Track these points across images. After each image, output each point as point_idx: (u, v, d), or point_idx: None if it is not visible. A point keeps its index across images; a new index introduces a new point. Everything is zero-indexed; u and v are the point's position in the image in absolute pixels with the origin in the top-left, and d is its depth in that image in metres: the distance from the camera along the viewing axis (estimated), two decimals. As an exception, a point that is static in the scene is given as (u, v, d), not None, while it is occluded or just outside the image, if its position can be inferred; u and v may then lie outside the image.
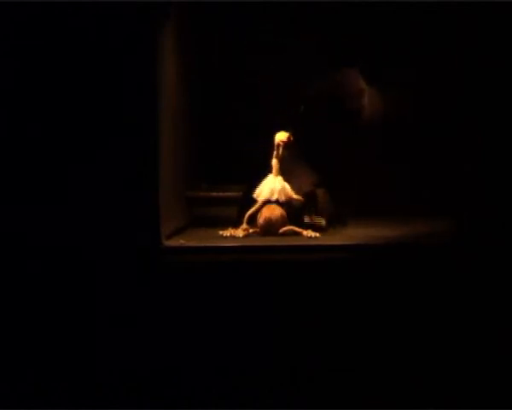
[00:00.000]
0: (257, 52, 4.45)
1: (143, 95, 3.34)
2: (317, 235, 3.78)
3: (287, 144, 3.88)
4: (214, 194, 4.24)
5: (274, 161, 3.88)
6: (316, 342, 3.20)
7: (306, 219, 3.89)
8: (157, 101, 3.41)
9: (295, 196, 3.87)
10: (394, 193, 4.24)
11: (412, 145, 4.32)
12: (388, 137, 4.30)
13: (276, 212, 3.80)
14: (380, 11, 4.27)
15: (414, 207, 4.17)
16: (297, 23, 4.40)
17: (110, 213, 3.32)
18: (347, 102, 4.26)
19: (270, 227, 3.78)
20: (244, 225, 3.82)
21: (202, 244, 3.61)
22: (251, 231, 3.81)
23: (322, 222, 3.90)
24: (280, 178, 3.86)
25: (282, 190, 3.85)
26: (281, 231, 3.78)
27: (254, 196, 3.86)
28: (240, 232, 3.79)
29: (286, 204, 3.84)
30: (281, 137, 3.89)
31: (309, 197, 3.92)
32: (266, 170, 3.89)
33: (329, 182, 4.05)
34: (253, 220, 3.83)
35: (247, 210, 3.85)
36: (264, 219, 3.79)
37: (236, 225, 3.85)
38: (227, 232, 3.80)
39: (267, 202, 3.83)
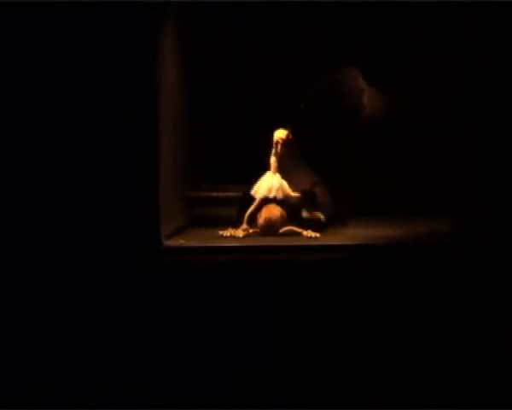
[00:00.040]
0: (257, 52, 4.45)
1: (143, 95, 3.34)
2: (317, 235, 3.78)
3: (286, 142, 3.88)
4: (214, 194, 4.24)
5: (272, 159, 3.87)
6: (316, 343, 3.20)
7: (305, 214, 3.89)
8: (157, 101, 3.41)
9: (293, 194, 3.87)
10: (394, 193, 4.24)
11: (412, 145, 4.32)
12: (388, 137, 4.30)
13: (276, 212, 3.80)
14: (380, 11, 4.27)
15: (414, 207, 4.16)
16: (297, 23, 4.39)
17: (110, 213, 3.32)
18: (347, 101, 4.26)
19: (270, 227, 3.78)
20: (244, 225, 3.82)
21: (202, 244, 3.61)
22: (251, 231, 3.81)
23: (321, 216, 3.89)
24: (278, 176, 3.86)
25: (280, 187, 3.85)
26: (281, 231, 3.78)
27: (252, 192, 3.86)
28: (240, 232, 3.79)
29: (284, 202, 3.83)
30: (280, 134, 3.88)
31: (307, 195, 3.92)
32: (266, 169, 3.89)
33: (329, 181, 4.05)
34: (253, 220, 3.83)
35: (247, 210, 3.85)
36: (264, 220, 3.79)
37: (236, 225, 3.85)
38: (227, 232, 3.80)
39: (265, 199, 3.83)
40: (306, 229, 3.80)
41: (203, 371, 3.19)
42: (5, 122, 3.33)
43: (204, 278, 3.28)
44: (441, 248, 3.41)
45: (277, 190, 3.84)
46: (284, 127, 3.89)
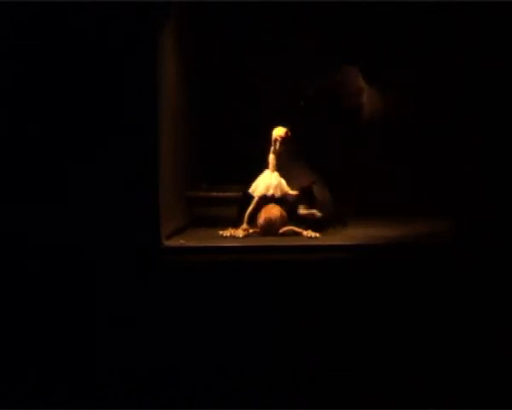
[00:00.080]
0: (257, 52, 4.45)
1: (143, 95, 3.34)
2: (317, 235, 3.78)
3: (284, 140, 3.87)
4: (214, 194, 4.24)
5: (271, 157, 3.87)
6: (316, 343, 3.20)
7: (301, 211, 3.88)
8: (157, 101, 3.41)
9: (291, 192, 3.87)
10: (394, 193, 4.24)
11: (412, 145, 4.32)
12: (388, 137, 4.30)
13: (275, 212, 3.80)
14: (380, 11, 4.27)
15: (414, 207, 4.16)
16: (297, 23, 4.39)
17: (110, 213, 3.32)
18: (346, 101, 4.27)
19: (270, 227, 3.78)
20: (244, 225, 3.82)
21: (202, 244, 3.61)
22: (251, 231, 3.81)
23: (318, 213, 3.88)
24: (276, 174, 3.86)
25: (278, 185, 3.84)
26: (281, 231, 3.78)
27: (250, 190, 3.86)
28: (240, 232, 3.79)
29: (282, 200, 3.83)
30: (278, 132, 3.88)
31: (305, 193, 3.92)
32: (266, 168, 3.89)
33: (329, 181, 4.05)
34: (253, 220, 3.83)
35: (247, 210, 3.85)
36: (264, 220, 3.79)
37: (236, 225, 3.85)
38: (227, 232, 3.80)
39: (264, 198, 3.83)
40: (306, 228, 3.80)
41: (203, 371, 3.19)
42: (5, 122, 3.33)
43: (204, 278, 3.28)
44: (441, 248, 3.41)
45: (275, 188, 3.83)
46: (283, 125, 3.89)
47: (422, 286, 3.24)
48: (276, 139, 3.87)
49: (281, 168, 3.88)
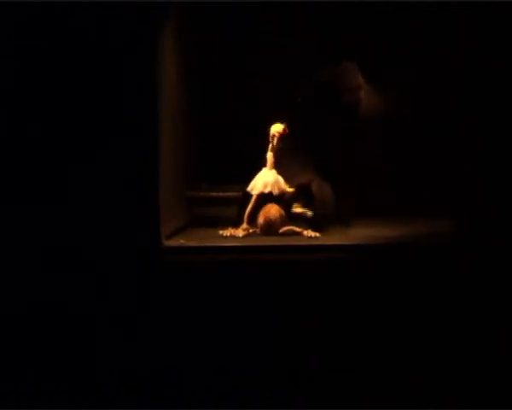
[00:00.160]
0: (257, 52, 4.45)
1: (143, 95, 3.34)
2: (317, 235, 3.78)
3: (282, 136, 3.87)
4: (214, 194, 4.24)
5: (269, 154, 3.87)
6: (316, 342, 3.20)
7: (294, 209, 3.88)
8: (157, 101, 3.41)
9: (289, 190, 3.87)
10: (394, 193, 4.24)
11: (412, 145, 4.32)
12: (388, 137, 4.30)
13: (275, 212, 3.80)
14: (380, 11, 4.27)
15: (414, 207, 4.16)
16: (297, 23, 4.39)
17: (110, 213, 3.32)
18: (344, 96, 4.27)
19: (270, 227, 3.78)
20: (244, 225, 3.82)
21: (202, 244, 3.61)
22: (251, 231, 3.81)
23: (309, 213, 3.88)
24: (274, 172, 3.86)
25: (276, 182, 3.84)
26: (281, 231, 3.78)
27: (248, 189, 3.86)
28: (240, 232, 3.79)
29: (280, 198, 3.83)
30: (276, 128, 3.88)
31: (303, 190, 3.91)
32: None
33: (331, 181, 4.05)
34: (253, 220, 3.83)
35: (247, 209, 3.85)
36: (264, 220, 3.79)
37: (236, 224, 3.85)
38: (227, 232, 3.80)
39: (263, 197, 3.83)
40: (306, 228, 3.80)
41: (203, 371, 3.19)
42: (5, 122, 3.33)
43: (204, 278, 3.28)
44: (441, 248, 3.41)
45: (273, 185, 3.83)
46: (281, 121, 3.89)
47: (422, 286, 3.24)
48: (273, 135, 3.86)
49: (279, 166, 3.88)
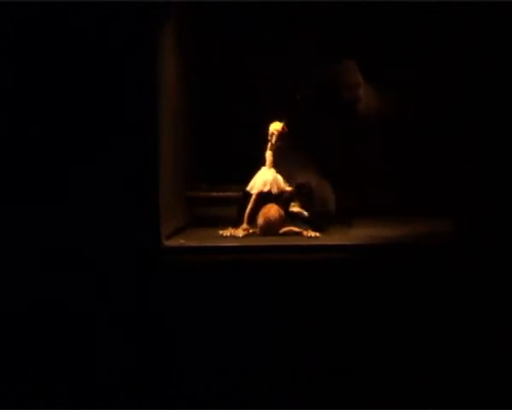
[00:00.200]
0: (257, 52, 4.45)
1: (143, 95, 3.34)
2: (317, 235, 3.78)
3: (281, 134, 3.87)
4: (214, 194, 4.24)
5: (268, 153, 3.87)
6: (316, 342, 3.20)
7: (291, 208, 3.88)
8: (157, 101, 3.41)
9: (288, 188, 3.87)
10: (394, 193, 4.24)
11: (412, 145, 4.32)
12: (388, 136, 4.30)
13: (274, 213, 3.79)
14: (380, 11, 4.27)
15: (414, 207, 4.16)
16: (297, 23, 4.39)
17: (110, 213, 3.32)
18: (343, 94, 4.27)
19: (270, 228, 3.78)
20: (244, 225, 3.82)
21: (202, 244, 3.61)
22: (251, 231, 3.81)
23: (305, 213, 3.88)
24: (273, 170, 3.86)
25: (274, 181, 3.84)
26: (281, 231, 3.78)
27: (248, 188, 3.86)
28: (240, 232, 3.79)
29: (278, 197, 3.83)
30: (275, 126, 3.87)
31: (301, 189, 3.91)
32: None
33: (330, 178, 4.05)
34: (253, 220, 3.83)
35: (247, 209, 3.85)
36: (264, 220, 3.79)
37: (236, 224, 3.85)
38: (227, 232, 3.80)
39: (263, 197, 3.82)
40: (306, 228, 3.80)
41: (203, 371, 3.19)
42: (5, 122, 3.33)
43: (204, 278, 3.28)
44: (441, 248, 3.41)
45: (272, 183, 3.83)
46: (280, 120, 3.89)
47: (422, 286, 3.24)
48: (272, 134, 3.86)
49: (279, 165, 3.88)
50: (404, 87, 4.29)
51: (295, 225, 3.82)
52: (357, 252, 3.44)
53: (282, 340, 3.20)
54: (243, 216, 3.84)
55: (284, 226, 3.80)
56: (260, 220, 3.80)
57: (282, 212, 3.81)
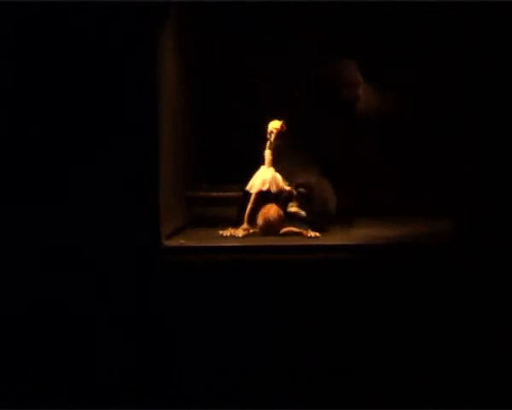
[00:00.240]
0: (257, 52, 4.45)
1: (143, 95, 3.34)
2: (318, 235, 3.78)
3: (280, 132, 3.86)
4: (214, 194, 4.24)
5: (267, 152, 3.86)
6: (316, 343, 3.20)
7: (289, 208, 3.88)
8: (157, 101, 3.41)
9: (287, 188, 3.87)
10: (394, 193, 4.24)
11: (412, 145, 4.32)
12: (388, 136, 4.30)
13: (273, 213, 3.79)
14: (380, 11, 4.27)
15: (414, 207, 4.16)
16: (297, 23, 4.39)
17: (110, 213, 3.32)
18: (343, 92, 4.27)
19: (269, 228, 3.78)
20: (244, 225, 3.81)
21: (202, 244, 3.61)
22: (251, 231, 3.81)
23: (302, 212, 3.87)
24: (272, 169, 3.85)
25: (274, 180, 3.84)
26: (281, 232, 3.78)
27: (247, 188, 3.86)
28: (240, 232, 3.79)
29: (278, 196, 3.83)
30: (274, 124, 3.87)
31: (300, 188, 3.91)
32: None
33: (331, 178, 4.04)
34: (253, 219, 3.83)
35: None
36: (263, 221, 3.79)
37: (236, 224, 3.84)
38: (227, 232, 3.80)
39: (262, 196, 3.82)
40: (306, 228, 3.80)
41: (203, 371, 3.19)
42: (5, 122, 3.33)
43: (204, 278, 3.28)
44: (441, 248, 3.41)
45: (271, 182, 3.82)
46: (279, 118, 3.89)
47: (422, 286, 3.24)
48: (271, 132, 3.85)
49: (279, 164, 3.88)
50: (403, 87, 4.29)
51: (295, 226, 3.82)
52: (358, 252, 3.44)
53: (282, 340, 3.20)
54: (243, 216, 3.84)
55: (284, 227, 3.80)
56: (260, 221, 3.80)
57: (281, 212, 3.81)
